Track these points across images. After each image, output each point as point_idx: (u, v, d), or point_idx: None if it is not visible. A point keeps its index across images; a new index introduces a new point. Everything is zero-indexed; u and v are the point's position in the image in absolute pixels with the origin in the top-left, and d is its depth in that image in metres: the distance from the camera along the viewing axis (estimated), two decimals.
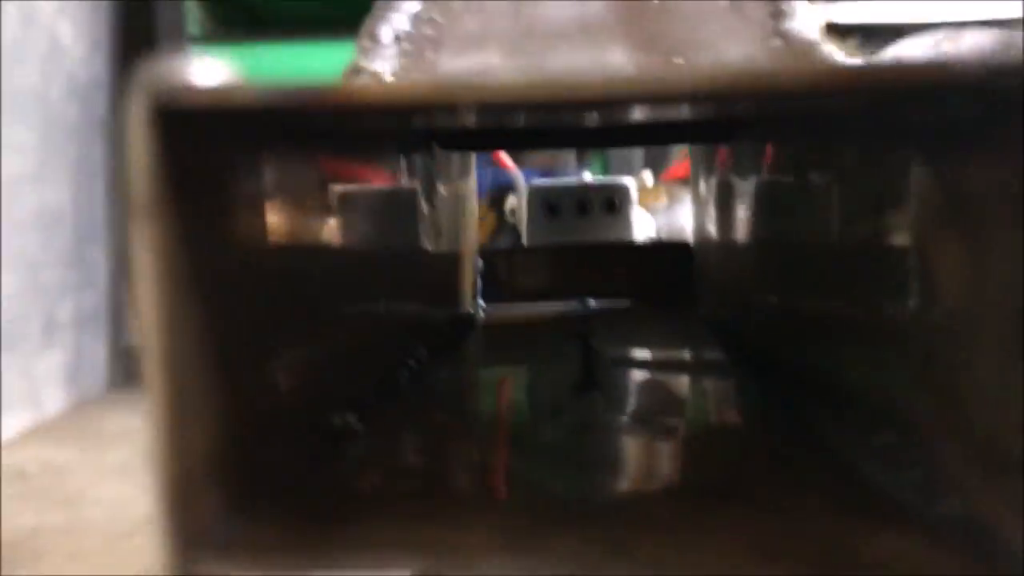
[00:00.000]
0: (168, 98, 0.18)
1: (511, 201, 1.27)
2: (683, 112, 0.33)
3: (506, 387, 0.40)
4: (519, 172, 1.17)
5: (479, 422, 0.35)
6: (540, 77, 0.22)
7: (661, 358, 0.46)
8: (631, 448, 0.29)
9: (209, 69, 0.19)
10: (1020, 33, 0.18)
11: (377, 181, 0.41)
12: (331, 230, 0.33)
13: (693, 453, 0.29)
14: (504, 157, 1.18)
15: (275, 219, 0.27)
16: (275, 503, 0.22)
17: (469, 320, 0.59)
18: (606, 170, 1.49)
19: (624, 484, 0.26)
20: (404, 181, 0.44)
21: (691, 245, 0.66)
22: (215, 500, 0.21)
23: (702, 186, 0.63)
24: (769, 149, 0.43)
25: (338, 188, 0.35)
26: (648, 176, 1.23)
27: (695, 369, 0.43)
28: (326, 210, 0.33)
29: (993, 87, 0.17)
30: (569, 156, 2.00)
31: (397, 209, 0.43)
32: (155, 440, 0.19)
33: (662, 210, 0.90)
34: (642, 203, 1.10)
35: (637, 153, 1.63)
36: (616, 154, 1.58)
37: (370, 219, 0.38)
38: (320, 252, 0.32)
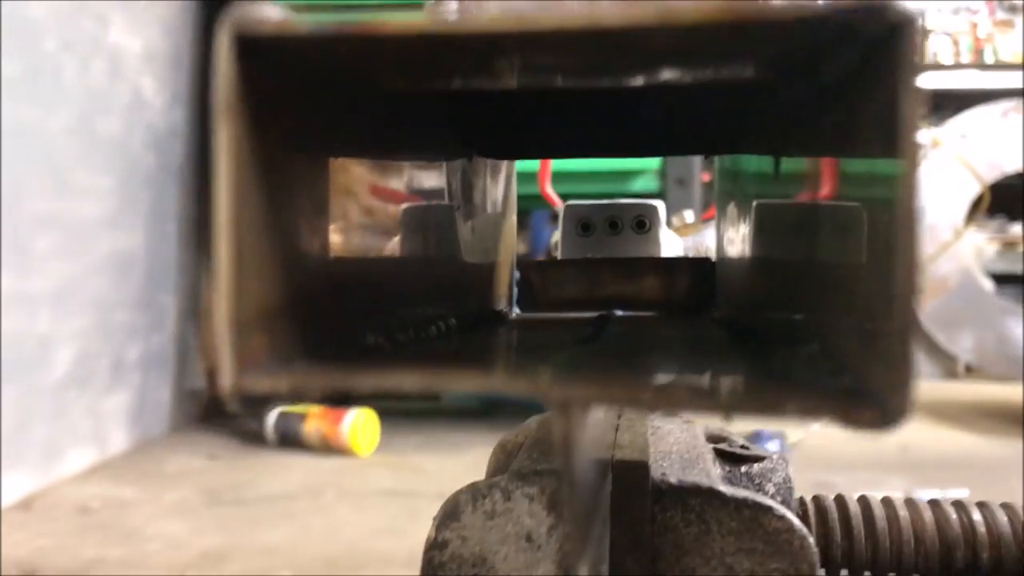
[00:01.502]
0: (243, 28, 0.25)
1: (555, 235, 1.33)
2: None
3: (520, 340, 0.46)
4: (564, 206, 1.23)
5: (492, 350, 0.40)
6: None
7: (666, 332, 0.51)
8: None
9: (280, 12, 0.26)
10: None
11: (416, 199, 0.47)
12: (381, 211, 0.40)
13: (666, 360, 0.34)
14: (552, 194, 1.25)
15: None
16: (311, 359, 0.28)
17: (501, 315, 0.64)
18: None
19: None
20: (444, 198, 0.51)
21: (713, 260, 0.71)
22: (261, 344, 0.27)
23: (721, 209, 0.69)
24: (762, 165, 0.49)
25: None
26: (690, 214, 1.33)
27: (691, 330, 0.48)
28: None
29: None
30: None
31: (434, 219, 0.50)
32: (217, 289, 0.25)
33: (691, 235, 0.96)
34: (682, 234, 1.17)
35: (695, 197, 1.87)
36: (673, 196, 1.77)
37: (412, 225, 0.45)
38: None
